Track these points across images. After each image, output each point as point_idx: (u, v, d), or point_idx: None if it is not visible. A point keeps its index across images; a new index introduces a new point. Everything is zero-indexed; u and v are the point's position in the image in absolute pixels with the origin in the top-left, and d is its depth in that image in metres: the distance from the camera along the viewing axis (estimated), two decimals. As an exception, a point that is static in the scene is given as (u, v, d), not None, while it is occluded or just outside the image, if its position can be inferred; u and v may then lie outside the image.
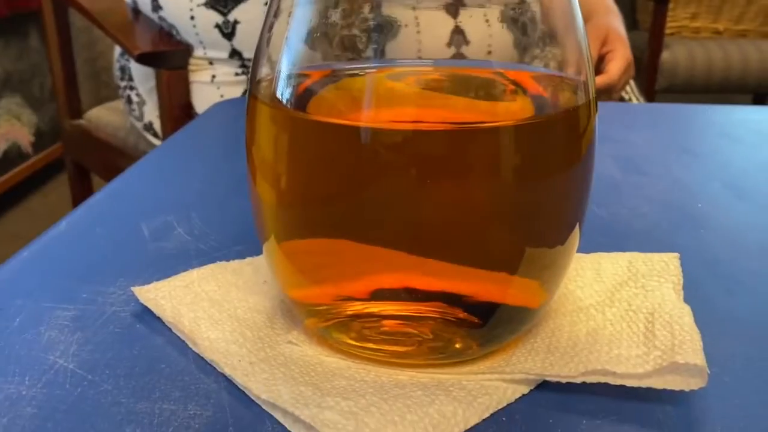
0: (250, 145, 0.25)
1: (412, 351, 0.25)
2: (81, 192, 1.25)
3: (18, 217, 1.90)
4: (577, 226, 0.25)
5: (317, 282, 0.25)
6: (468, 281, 0.24)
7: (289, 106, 0.24)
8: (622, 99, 0.90)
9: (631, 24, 2.13)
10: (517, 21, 0.24)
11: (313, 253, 0.25)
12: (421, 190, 0.22)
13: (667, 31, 1.90)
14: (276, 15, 0.24)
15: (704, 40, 1.95)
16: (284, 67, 0.24)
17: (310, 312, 0.26)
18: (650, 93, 1.85)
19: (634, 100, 0.90)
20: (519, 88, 0.25)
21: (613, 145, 0.53)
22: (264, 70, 0.25)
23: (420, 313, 0.24)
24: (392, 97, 0.24)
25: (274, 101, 0.24)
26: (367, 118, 0.22)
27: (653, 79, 1.85)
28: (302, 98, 0.24)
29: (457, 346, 0.24)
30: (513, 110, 0.25)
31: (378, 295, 0.24)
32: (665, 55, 1.87)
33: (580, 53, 0.24)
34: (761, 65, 1.88)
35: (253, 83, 0.25)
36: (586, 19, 0.87)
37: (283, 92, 0.24)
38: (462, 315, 0.24)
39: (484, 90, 0.26)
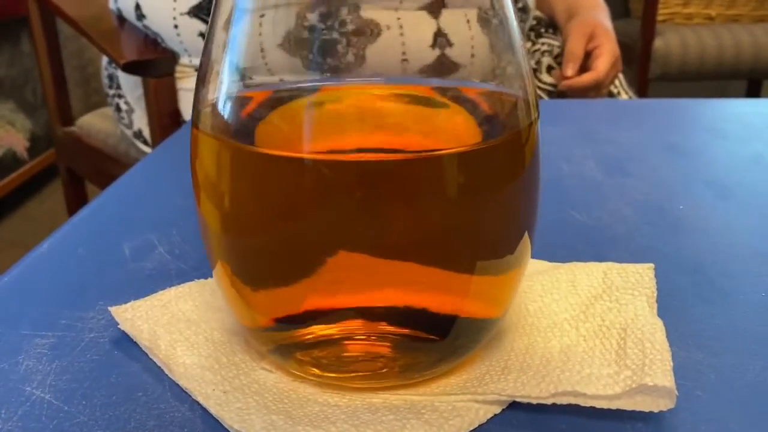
0: (193, 171, 0.25)
1: (379, 374, 0.24)
2: (75, 198, 1.25)
3: (15, 223, 1.91)
4: (527, 235, 0.25)
5: (269, 309, 0.25)
6: (423, 297, 0.24)
7: (229, 134, 0.24)
8: (610, 93, 0.89)
9: (623, 12, 2.12)
10: (490, 24, 0.24)
11: (264, 280, 0.24)
12: (365, 216, 0.22)
13: (659, 18, 1.90)
14: (227, 25, 0.23)
15: (697, 26, 1.94)
16: (229, 87, 0.23)
17: (267, 341, 0.25)
18: (643, 82, 1.84)
19: (623, 95, 0.90)
20: (464, 106, 0.25)
21: (597, 146, 0.53)
22: (209, 90, 0.24)
23: (378, 332, 0.24)
24: (335, 123, 0.24)
25: (215, 128, 0.24)
26: (311, 148, 0.22)
27: (646, 68, 1.85)
28: (244, 126, 0.24)
29: (423, 361, 0.24)
30: (458, 133, 0.24)
31: (333, 318, 0.24)
32: (658, 43, 1.86)
33: (522, 66, 0.24)
34: (754, 50, 1.87)
35: (194, 111, 0.25)
36: (572, 14, 0.87)
37: (224, 119, 0.24)
38: (421, 333, 0.24)
39: (430, 110, 0.25)
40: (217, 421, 0.24)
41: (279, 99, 0.25)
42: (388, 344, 0.24)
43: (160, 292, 0.31)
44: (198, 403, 0.25)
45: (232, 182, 0.23)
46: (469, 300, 0.24)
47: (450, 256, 0.23)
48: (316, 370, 0.24)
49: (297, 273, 0.23)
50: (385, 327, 0.24)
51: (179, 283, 0.32)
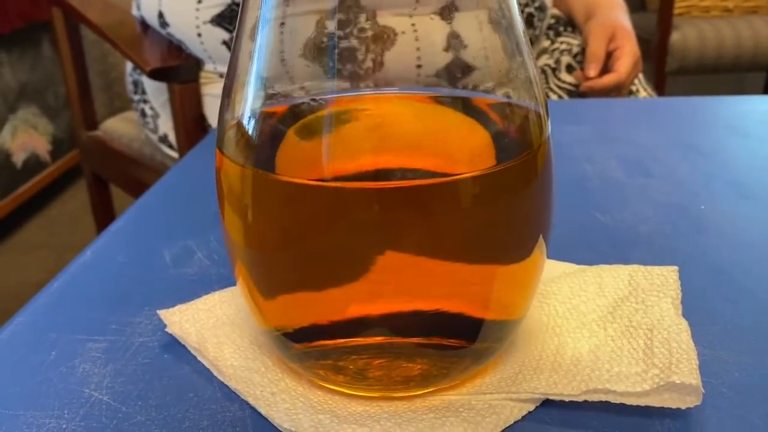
0: (218, 185, 0.26)
1: (410, 384, 0.25)
2: (100, 200, 1.27)
3: (39, 225, 1.94)
4: (541, 238, 0.26)
5: (296, 321, 0.26)
6: (447, 307, 0.24)
7: (251, 158, 0.24)
8: (630, 91, 0.90)
9: (640, 5, 2.12)
10: (499, 26, 0.24)
11: (285, 294, 0.25)
12: (386, 236, 0.23)
13: (676, 12, 1.89)
14: (251, 37, 0.24)
15: (714, 18, 1.93)
16: (253, 102, 0.24)
17: (293, 357, 0.26)
18: (660, 76, 1.84)
19: (642, 92, 0.91)
20: (479, 119, 0.26)
21: (618, 146, 0.54)
22: (233, 108, 0.25)
23: (403, 344, 0.25)
24: (353, 146, 0.24)
25: (237, 153, 0.25)
26: (330, 173, 0.23)
27: (663, 62, 1.84)
28: (265, 149, 0.25)
29: (452, 365, 0.25)
30: (474, 152, 0.25)
31: (357, 331, 0.25)
32: (675, 36, 1.85)
33: (531, 69, 0.25)
34: (773, 41, 1.86)
35: (219, 133, 0.26)
36: (591, 14, 0.87)
37: (246, 143, 0.24)
38: (447, 340, 0.25)
39: (445, 126, 0.26)
40: (267, 420, 0.25)
41: (297, 118, 0.25)
42: (415, 356, 0.25)
43: (204, 296, 0.32)
44: (247, 403, 0.26)
45: (253, 203, 0.24)
46: (492, 304, 0.25)
47: (469, 267, 0.24)
48: (337, 381, 0.25)
49: (321, 288, 0.24)
50: (409, 339, 0.25)
51: (220, 288, 0.34)
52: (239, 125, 0.25)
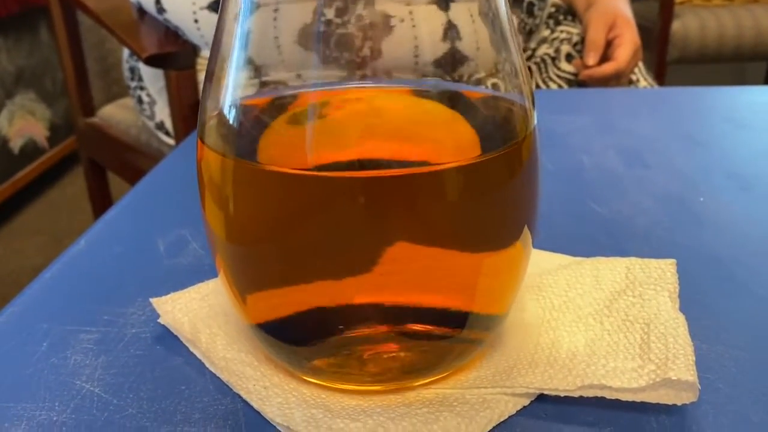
0: (199, 177, 0.26)
1: (401, 376, 0.25)
2: (97, 186, 1.27)
3: (37, 211, 1.94)
4: (526, 228, 0.25)
5: (278, 316, 0.25)
6: (432, 296, 0.24)
7: (232, 148, 0.24)
8: (630, 81, 0.89)
9: (641, -6, 2.10)
10: (487, 17, 0.24)
11: (268, 287, 0.25)
12: (369, 227, 0.23)
13: (678, 0, 1.88)
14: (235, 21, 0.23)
15: (715, 7, 1.92)
16: (234, 91, 0.24)
17: (280, 355, 0.26)
18: (661, 65, 1.83)
19: (642, 82, 0.90)
20: (466, 112, 0.25)
21: (617, 136, 0.53)
22: (215, 97, 0.24)
23: (390, 329, 0.24)
24: (336, 134, 0.24)
25: (218, 142, 0.24)
26: (313, 162, 0.23)
27: (664, 51, 1.83)
28: (246, 138, 0.24)
29: (444, 354, 0.25)
30: (460, 142, 0.24)
31: (344, 324, 0.24)
32: (676, 25, 1.84)
33: (517, 63, 0.25)
34: (775, 31, 1.85)
35: (199, 123, 0.25)
36: (591, 3, 0.86)
37: (227, 131, 0.24)
38: (436, 329, 0.25)
39: (430, 116, 0.26)
40: (259, 413, 0.25)
41: (280, 108, 0.25)
42: (403, 347, 0.25)
43: (198, 284, 0.32)
44: (240, 396, 0.26)
45: (234, 194, 0.24)
46: (476, 293, 0.25)
47: (453, 257, 0.24)
48: (326, 377, 0.25)
49: (303, 281, 0.24)
50: (395, 328, 0.24)
51: (214, 278, 0.33)
52: (221, 114, 0.24)
